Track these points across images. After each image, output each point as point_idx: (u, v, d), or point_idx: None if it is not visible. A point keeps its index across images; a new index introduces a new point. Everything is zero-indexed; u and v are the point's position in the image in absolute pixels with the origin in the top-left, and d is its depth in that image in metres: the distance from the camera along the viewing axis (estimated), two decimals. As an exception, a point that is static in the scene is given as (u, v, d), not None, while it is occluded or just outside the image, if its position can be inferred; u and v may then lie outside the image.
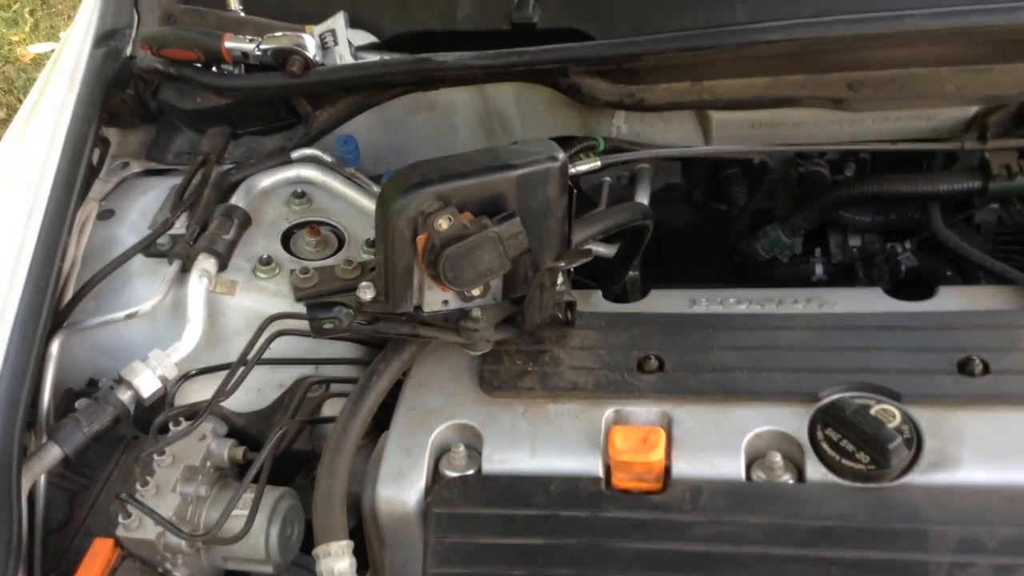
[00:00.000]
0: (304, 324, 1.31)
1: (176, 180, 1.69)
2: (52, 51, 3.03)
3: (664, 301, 1.39)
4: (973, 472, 1.09)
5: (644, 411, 1.21)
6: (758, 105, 1.54)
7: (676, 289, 1.42)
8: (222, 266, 1.50)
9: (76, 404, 1.38)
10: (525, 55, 1.52)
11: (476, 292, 1.23)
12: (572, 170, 1.46)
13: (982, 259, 1.52)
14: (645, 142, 1.67)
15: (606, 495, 1.14)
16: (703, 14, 1.52)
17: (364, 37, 1.67)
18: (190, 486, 1.29)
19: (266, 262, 1.52)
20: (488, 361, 1.29)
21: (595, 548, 1.10)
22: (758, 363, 1.24)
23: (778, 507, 1.09)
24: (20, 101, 4.08)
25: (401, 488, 1.18)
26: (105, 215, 1.66)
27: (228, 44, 1.60)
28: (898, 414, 1.14)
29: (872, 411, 1.13)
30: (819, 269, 1.77)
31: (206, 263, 1.47)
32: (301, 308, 1.32)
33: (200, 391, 1.42)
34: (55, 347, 1.39)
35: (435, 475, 1.20)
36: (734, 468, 1.14)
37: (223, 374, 1.35)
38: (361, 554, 1.19)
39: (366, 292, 1.23)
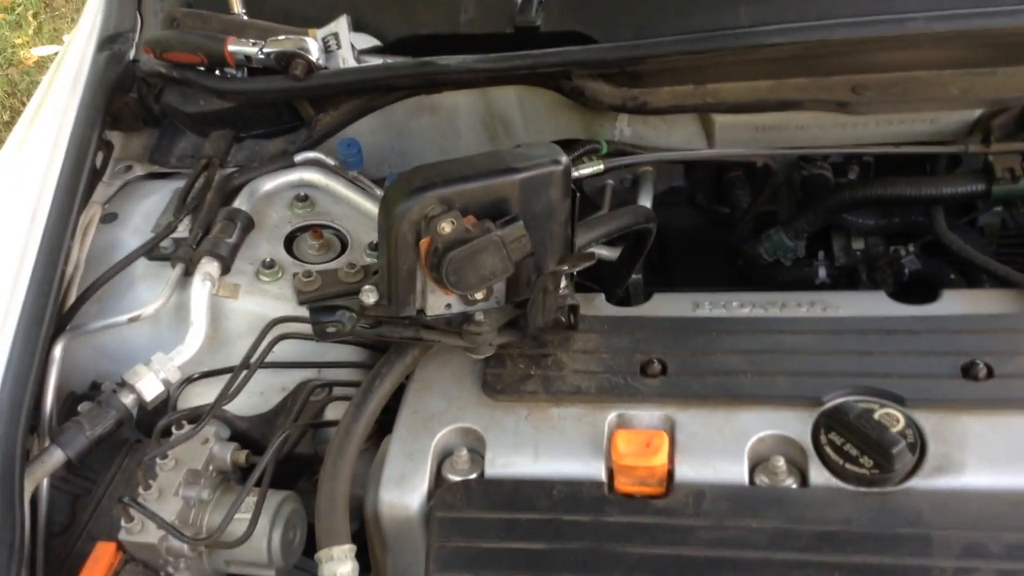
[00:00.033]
0: (307, 328, 1.31)
1: (179, 183, 1.69)
2: (55, 54, 3.03)
3: (667, 304, 1.39)
4: (977, 477, 1.09)
5: (647, 415, 1.21)
6: (761, 108, 1.54)
7: (679, 292, 1.41)
8: (225, 269, 1.50)
9: (79, 407, 1.38)
10: (528, 58, 1.52)
11: (479, 296, 1.23)
12: (575, 173, 1.46)
13: (986, 262, 1.52)
14: (648, 145, 1.67)
15: (609, 499, 1.14)
16: (706, 17, 1.52)
17: (367, 40, 1.66)
18: (193, 490, 1.29)
19: (269, 265, 1.52)
20: (491, 365, 1.29)
21: (598, 552, 1.09)
22: (761, 367, 1.24)
23: (781, 512, 1.09)
24: (23, 104, 4.08)
25: (404, 492, 1.18)
26: (108, 218, 1.66)
27: (231, 48, 1.60)
28: (902, 418, 1.13)
29: (876, 415, 1.13)
30: (822, 272, 1.77)
31: (209, 266, 1.47)
32: (304, 312, 1.32)
33: (203, 394, 1.42)
34: (58, 350, 1.39)
35: (438, 479, 1.20)
36: (737, 472, 1.14)
37: (226, 378, 1.35)
38: (363, 558, 1.19)
39: (369, 296, 1.23)
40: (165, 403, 1.39)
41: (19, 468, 1.23)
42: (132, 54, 1.77)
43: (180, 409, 1.41)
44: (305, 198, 1.64)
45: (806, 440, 1.14)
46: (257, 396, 1.44)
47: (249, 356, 1.35)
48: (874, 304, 1.34)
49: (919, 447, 1.11)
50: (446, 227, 1.13)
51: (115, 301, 1.51)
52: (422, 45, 1.62)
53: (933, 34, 1.42)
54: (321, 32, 1.62)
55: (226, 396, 1.32)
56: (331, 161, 1.70)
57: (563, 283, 1.30)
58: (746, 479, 1.13)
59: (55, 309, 1.40)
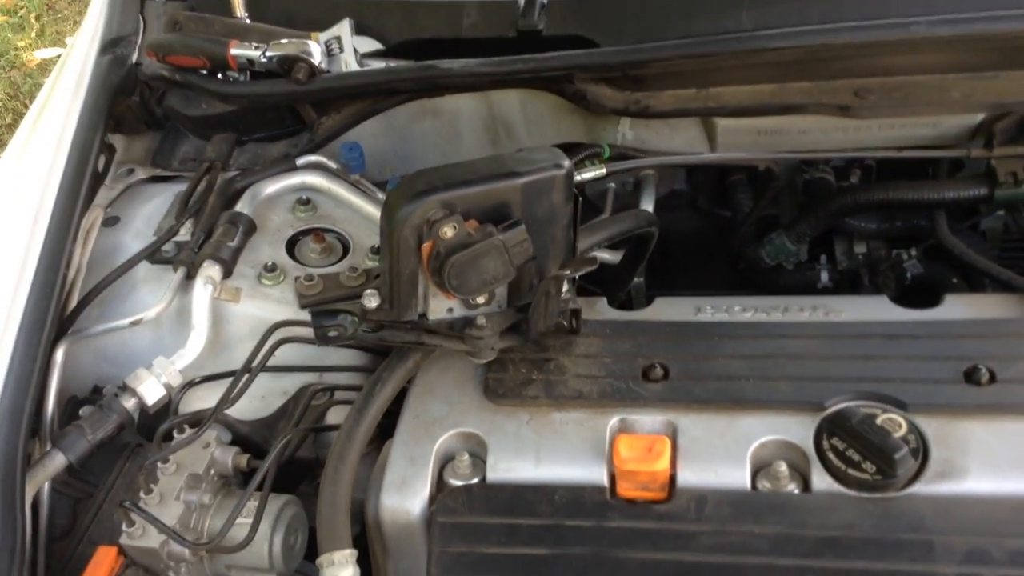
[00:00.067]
0: (308, 331, 1.31)
1: (181, 187, 1.69)
2: (58, 57, 3.04)
3: (669, 309, 1.39)
4: (980, 482, 1.09)
5: (649, 420, 1.20)
6: (764, 112, 1.54)
7: (681, 296, 1.41)
8: (227, 273, 1.50)
9: (80, 411, 1.39)
10: (530, 62, 1.52)
11: (481, 300, 1.23)
12: (577, 177, 1.46)
13: (988, 266, 1.52)
14: (650, 149, 1.67)
15: (611, 504, 1.13)
16: (709, 21, 1.51)
17: (369, 44, 1.66)
18: (194, 494, 1.29)
19: (271, 269, 1.52)
20: (493, 369, 1.29)
21: (600, 558, 1.09)
22: (763, 372, 1.23)
23: (783, 517, 1.09)
24: (26, 107, 4.09)
25: (405, 497, 1.18)
26: (110, 222, 1.66)
27: (234, 51, 1.61)
28: (904, 423, 1.13)
29: (878, 420, 1.13)
30: (824, 276, 1.77)
31: (211, 270, 1.47)
32: (306, 315, 1.32)
33: (204, 398, 1.42)
34: (59, 354, 1.39)
35: (439, 484, 1.20)
36: (739, 477, 1.13)
37: (227, 381, 1.35)
38: (365, 563, 1.19)
39: (371, 299, 1.23)
40: (166, 407, 1.39)
41: (20, 472, 1.23)
42: (135, 57, 1.77)
43: (181, 413, 1.41)
44: (307, 201, 1.64)
45: (808, 445, 1.14)
46: (259, 400, 1.43)
47: (251, 360, 1.35)
48: (876, 308, 1.34)
49: (921, 452, 1.11)
50: (448, 231, 1.13)
51: (117, 305, 1.51)
52: (424, 49, 1.62)
53: (936, 38, 1.42)
54: (324, 36, 1.62)
55: (227, 400, 1.32)
56: (333, 165, 1.70)
57: (565, 287, 1.30)
58: (748, 484, 1.13)
59: (57, 313, 1.40)
